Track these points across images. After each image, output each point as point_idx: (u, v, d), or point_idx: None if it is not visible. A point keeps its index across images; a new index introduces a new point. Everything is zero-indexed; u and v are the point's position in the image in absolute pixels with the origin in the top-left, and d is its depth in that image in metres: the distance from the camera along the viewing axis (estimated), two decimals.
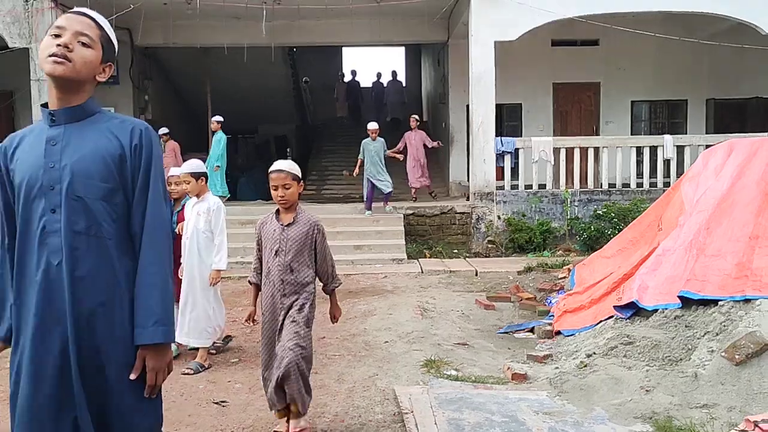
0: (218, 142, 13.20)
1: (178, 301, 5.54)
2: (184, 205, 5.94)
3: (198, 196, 5.65)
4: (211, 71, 16.01)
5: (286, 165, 4.15)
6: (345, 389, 4.93)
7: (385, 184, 12.15)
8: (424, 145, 13.41)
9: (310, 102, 22.97)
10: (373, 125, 12.44)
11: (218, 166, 13.15)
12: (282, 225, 4.08)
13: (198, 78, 16.42)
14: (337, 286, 4.29)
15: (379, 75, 22.78)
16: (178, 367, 5.18)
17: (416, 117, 13.74)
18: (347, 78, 23.20)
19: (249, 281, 4.41)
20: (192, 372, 5.37)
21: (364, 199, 12.31)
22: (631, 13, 12.38)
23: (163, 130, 13.70)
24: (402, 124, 19.05)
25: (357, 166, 12.37)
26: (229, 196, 13.48)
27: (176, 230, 5.70)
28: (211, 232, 5.58)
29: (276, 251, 4.04)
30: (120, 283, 2.25)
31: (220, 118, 13.36)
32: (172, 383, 5.13)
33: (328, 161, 18.80)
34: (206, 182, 5.74)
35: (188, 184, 5.66)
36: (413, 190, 13.34)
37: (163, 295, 2.28)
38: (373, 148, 12.18)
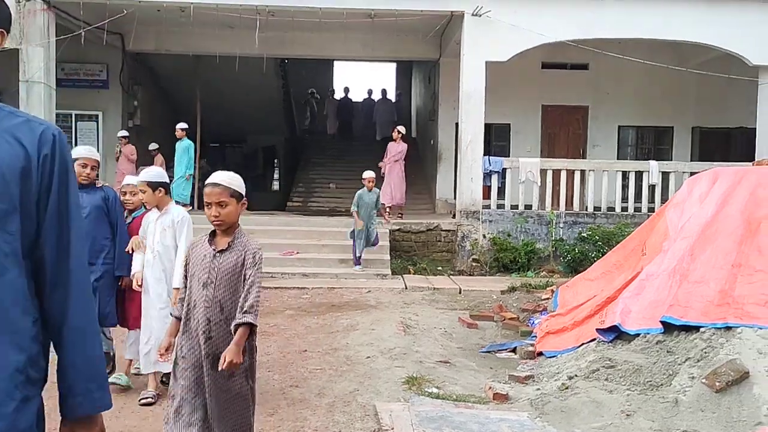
0: (186, 149, 13.09)
1: (131, 327, 5.33)
2: (135, 217, 5.47)
3: (159, 207, 5.02)
4: (202, 79, 15.99)
5: (225, 178, 3.40)
6: (325, 404, 4.90)
7: (375, 233, 10.97)
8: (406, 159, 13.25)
9: (316, 112, 22.89)
10: (369, 174, 11.04)
11: (190, 175, 13.06)
12: (214, 250, 3.36)
13: (188, 85, 16.39)
14: (247, 323, 3.26)
15: (370, 92, 22.73)
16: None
17: (400, 129, 13.50)
18: (339, 95, 23.01)
19: (170, 313, 3.82)
20: (153, 401, 4.86)
21: (354, 256, 10.85)
22: (620, 39, 12.55)
23: (153, 146, 13.62)
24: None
25: (356, 222, 10.65)
26: (188, 203, 13.30)
27: (126, 248, 5.20)
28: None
29: (204, 283, 3.32)
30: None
31: (184, 125, 13.29)
32: (158, 408, 5.07)
33: (315, 173, 18.80)
34: (167, 193, 5.05)
35: (144, 193, 5.05)
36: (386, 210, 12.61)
37: (100, 357, 1.83)
38: (369, 200, 10.83)
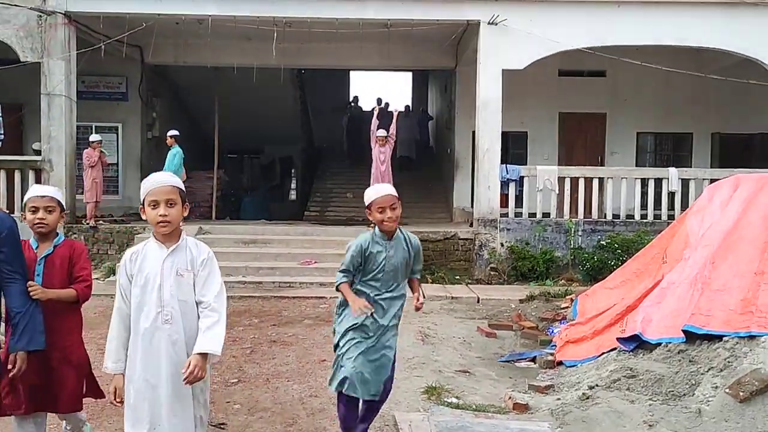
0: (173, 156, 12.81)
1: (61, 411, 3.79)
2: (56, 246, 3.69)
3: (162, 238, 3.18)
4: (220, 90, 16.13)
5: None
6: None
7: None
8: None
9: (346, 124, 21.37)
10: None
11: None
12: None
13: (207, 97, 16.55)
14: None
15: (379, 101, 21.93)
16: None
17: (379, 135, 12.49)
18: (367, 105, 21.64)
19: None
20: None
21: None
22: (637, 46, 12.48)
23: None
24: (413, 163, 18.68)
25: None
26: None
27: (33, 293, 3.32)
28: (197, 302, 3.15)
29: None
30: None
31: (175, 132, 13.08)
32: None
33: (332, 183, 18.85)
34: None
35: (51, 213, 3.66)
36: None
37: None
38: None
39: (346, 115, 20.69)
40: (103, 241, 12.41)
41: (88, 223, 12.59)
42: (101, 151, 12.95)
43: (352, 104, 21.65)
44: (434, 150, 19.59)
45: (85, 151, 12.90)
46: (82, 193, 12.92)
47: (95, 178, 12.87)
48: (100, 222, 13.08)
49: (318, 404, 5.09)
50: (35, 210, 3.63)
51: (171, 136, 13.06)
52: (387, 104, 21.76)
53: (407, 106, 20.01)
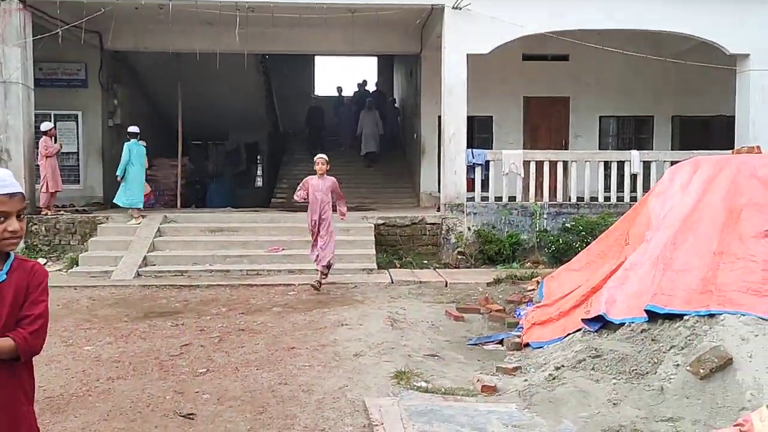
0: (126, 150, 12.49)
1: None
2: (9, 271, 2.41)
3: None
4: (183, 77, 15.87)
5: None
6: (314, 400, 4.90)
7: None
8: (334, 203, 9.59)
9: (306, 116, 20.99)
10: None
11: (119, 177, 12.52)
12: None
13: (169, 83, 16.27)
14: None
15: (339, 90, 21.49)
16: None
17: (324, 157, 9.50)
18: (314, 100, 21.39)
19: None
20: None
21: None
22: (599, 30, 12.62)
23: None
24: (379, 158, 18.36)
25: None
26: (136, 206, 12.50)
27: None
28: None
29: None
30: None
31: (132, 129, 12.70)
32: (139, 393, 5.06)
33: (299, 170, 18.71)
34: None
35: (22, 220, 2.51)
36: (319, 272, 9.49)
37: None
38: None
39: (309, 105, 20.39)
40: (65, 231, 12.16)
41: (46, 214, 12.33)
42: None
43: (312, 96, 21.40)
44: (401, 141, 19.53)
45: (41, 140, 12.61)
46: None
47: (53, 167, 12.62)
48: (60, 212, 12.83)
49: (288, 392, 5.09)
50: (4, 216, 2.37)
51: (128, 132, 12.76)
52: (365, 81, 21.64)
53: (370, 100, 18.86)
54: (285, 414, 4.64)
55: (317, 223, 9.41)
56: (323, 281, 9.45)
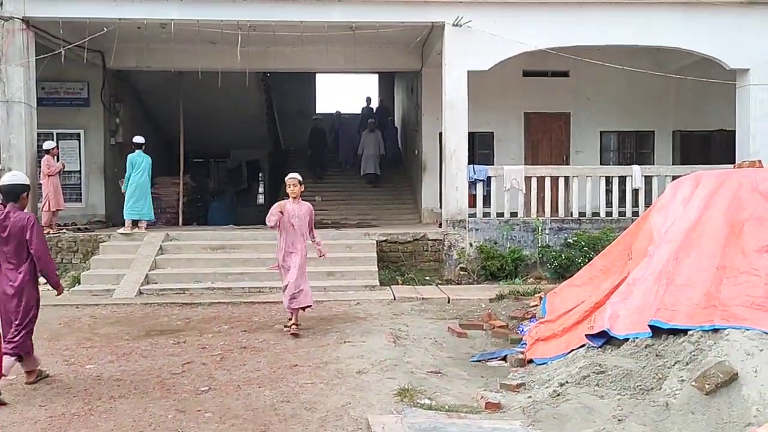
0: (129, 163, 12.73)
1: None
2: None
3: None
4: (185, 95, 15.95)
5: None
6: (317, 418, 4.87)
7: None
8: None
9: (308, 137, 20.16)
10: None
11: (123, 190, 12.75)
12: None
13: (171, 101, 16.34)
14: None
15: (368, 100, 21.38)
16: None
17: (297, 177, 8.16)
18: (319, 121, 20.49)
19: None
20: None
21: None
22: (599, 46, 12.67)
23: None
24: (379, 180, 18.22)
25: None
26: (148, 218, 12.92)
27: None
28: None
29: None
30: None
31: (138, 140, 12.91)
32: (141, 413, 5.03)
33: None
34: None
35: None
36: (289, 313, 7.96)
37: None
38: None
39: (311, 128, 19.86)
40: (66, 249, 12.17)
41: (48, 232, 12.34)
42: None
43: (314, 118, 20.75)
44: (403, 158, 19.50)
45: (44, 158, 12.67)
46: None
47: (55, 186, 12.67)
48: (63, 230, 12.84)
49: (290, 409, 5.06)
50: None
51: (133, 143, 12.93)
52: (369, 99, 21.67)
53: (371, 122, 18.64)
54: None
55: (288, 255, 7.99)
56: (299, 323, 7.84)
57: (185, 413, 5.04)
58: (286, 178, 8.21)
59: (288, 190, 8.11)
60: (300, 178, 8.22)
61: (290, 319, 7.89)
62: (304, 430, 4.64)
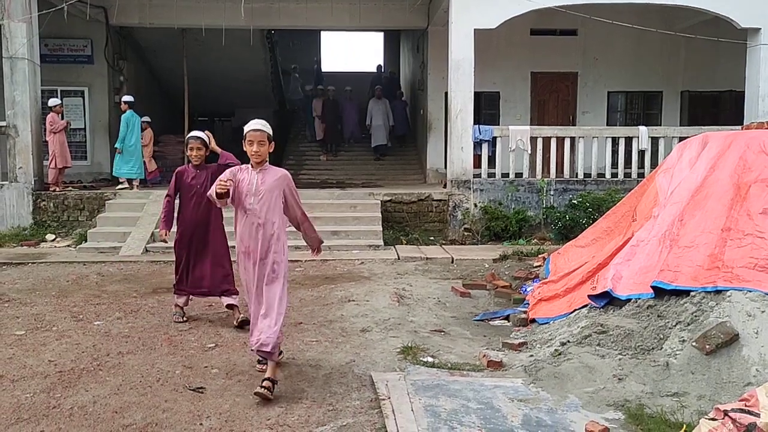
0: (124, 122, 12.87)
1: None
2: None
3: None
4: (189, 53, 15.80)
5: None
6: (322, 375, 4.95)
7: None
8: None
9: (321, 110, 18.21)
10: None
11: (118, 149, 12.86)
12: None
13: (175, 59, 16.21)
14: None
15: (379, 68, 21.18)
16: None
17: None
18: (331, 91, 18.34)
19: None
20: None
21: None
22: (609, 3, 12.46)
23: (145, 119, 13.51)
24: (388, 151, 17.79)
25: None
26: (139, 176, 13.16)
27: None
28: None
29: None
30: None
31: (128, 98, 13.06)
32: (149, 368, 5.12)
33: (305, 146, 18.73)
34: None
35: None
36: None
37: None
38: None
39: (321, 98, 18.12)
40: (73, 207, 12.22)
41: (54, 190, 12.39)
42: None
43: (328, 88, 18.52)
44: (412, 131, 19.06)
45: (48, 116, 12.64)
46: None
47: (61, 143, 12.67)
48: (69, 188, 12.88)
49: (295, 367, 5.14)
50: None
51: (125, 102, 12.96)
52: (380, 66, 21.43)
53: (378, 88, 17.96)
54: (293, 389, 4.69)
55: (258, 265, 4.69)
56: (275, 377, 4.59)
57: (192, 369, 5.13)
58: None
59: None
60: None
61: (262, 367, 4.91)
62: (309, 387, 4.72)
